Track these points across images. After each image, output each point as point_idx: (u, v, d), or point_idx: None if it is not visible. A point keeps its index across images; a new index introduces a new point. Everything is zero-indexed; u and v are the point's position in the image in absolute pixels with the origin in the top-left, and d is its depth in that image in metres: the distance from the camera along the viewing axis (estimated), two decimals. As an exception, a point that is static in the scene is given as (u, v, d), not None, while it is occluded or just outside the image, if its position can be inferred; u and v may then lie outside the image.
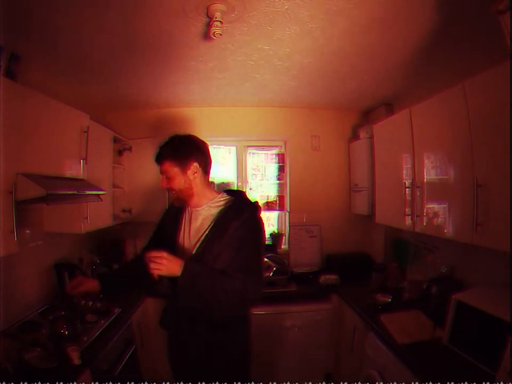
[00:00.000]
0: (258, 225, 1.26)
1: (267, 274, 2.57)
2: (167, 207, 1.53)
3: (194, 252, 1.25)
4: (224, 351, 1.28)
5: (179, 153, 1.24)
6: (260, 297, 1.22)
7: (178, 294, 1.17)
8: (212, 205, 1.30)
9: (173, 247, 1.30)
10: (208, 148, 1.34)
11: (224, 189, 1.42)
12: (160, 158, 1.26)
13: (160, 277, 1.14)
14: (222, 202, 1.30)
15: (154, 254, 1.12)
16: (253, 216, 1.25)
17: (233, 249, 1.19)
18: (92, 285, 1.38)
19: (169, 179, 1.26)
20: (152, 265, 1.11)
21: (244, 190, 1.40)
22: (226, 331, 1.27)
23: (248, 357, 1.39)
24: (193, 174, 1.26)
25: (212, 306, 1.18)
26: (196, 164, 1.25)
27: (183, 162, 1.24)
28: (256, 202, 1.33)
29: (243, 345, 1.35)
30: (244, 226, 1.20)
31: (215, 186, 2.97)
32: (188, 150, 1.26)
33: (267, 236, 3.02)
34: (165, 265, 1.11)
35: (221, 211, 1.27)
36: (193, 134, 1.34)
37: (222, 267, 1.19)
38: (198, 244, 1.25)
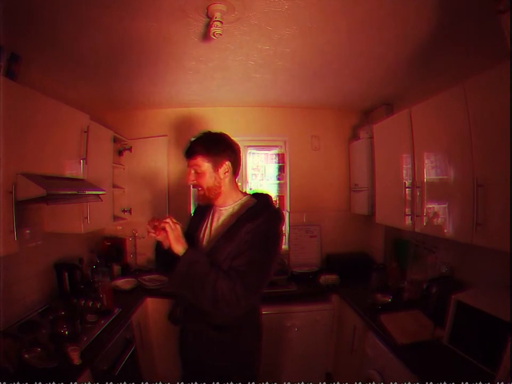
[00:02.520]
0: (270, 230, 1.20)
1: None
2: (196, 206, 1.50)
3: (208, 250, 1.24)
4: (226, 353, 1.26)
5: (213, 149, 1.23)
6: (251, 301, 1.17)
7: (172, 274, 1.14)
8: (235, 206, 1.28)
9: (194, 244, 1.30)
10: (239, 149, 1.34)
11: (253, 191, 1.41)
12: (192, 153, 1.24)
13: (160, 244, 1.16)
14: (244, 204, 1.28)
15: (172, 219, 1.14)
16: (267, 221, 1.19)
17: (239, 251, 1.16)
18: (176, 241, 1.18)
19: (198, 175, 1.24)
20: (165, 226, 1.12)
21: (270, 194, 1.36)
22: (228, 334, 1.25)
23: (254, 362, 1.35)
24: (224, 173, 1.24)
25: (198, 297, 1.14)
26: (228, 163, 1.24)
27: (216, 159, 1.23)
28: (277, 208, 1.31)
29: (248, 350, 1.32)
30: (256, 229, 1.17)
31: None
32: (222, 147, 1.25)
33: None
34: (175, 235, 1.12)
35: (237, 212, 1.26)
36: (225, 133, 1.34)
37: (227, 267, 1.17)
38: (212, 243, 1.25)
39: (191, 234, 1.34)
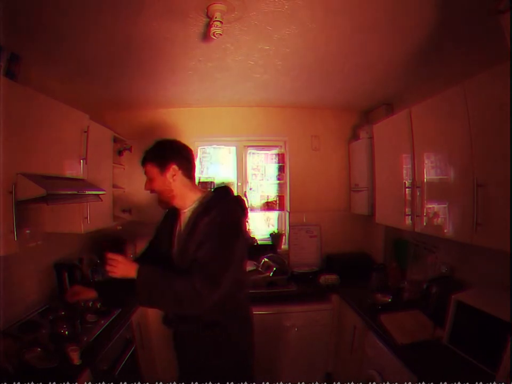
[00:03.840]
0: (224, 220, 1.23)
1: (267, 274, 2.58)
2: (166, 211, 1.52)
3: (177, 253, 1.31)
4: (218, 351, 1.28)
5: (158, 155, 1.31)
6: (217, 292, 1.16)
7: (136, 296, 1.21)
8: (194, 205, 1.33)
9: (169, 250, 1.36)
10: (190, 152, 1.38)
11: (216, 187, 1.45)
12: (142, 161, 1.33)
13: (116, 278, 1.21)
14: (201, 201, 1.33)
15: (110, 256, 1.20)
16: (221, 212, 1.24)
17: (200, 246, 1.20)
18: (89, 294, 1.43)
19: (150, 181, 1.32)
20: (108, 268, 1.19)
21: (228, 186, 1.42)
22: (218, 331, 1.27)
23: (248, 358, 1.38)
24: (173, 176, 1.29)
25: (166, 305, 1.24)
26: (174, 166, 1.29)
27: (162, 164, 1.29)
28: (234, 198, 1.36)
29: (241, 346, 1.34)
30: (211, 222, 1.21)
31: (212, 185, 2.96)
32: (168, 152, 1.31)
33: (267, 235, 3.03)
34: (120, 268, 1.19)
35: (193, 211, 1.31)
36: (178, 139, 1.40)
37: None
38: (179, 246, 1.31)
39: (161, 241, 1.42)
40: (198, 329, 1.27)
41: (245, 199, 1.42)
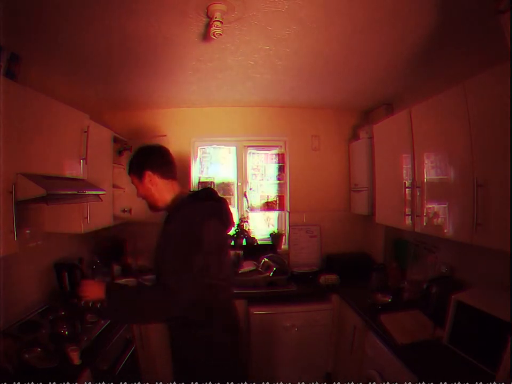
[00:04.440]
0: (187, 221, 1.21)
1: (267, 274, 2.58)
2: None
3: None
4: (202, 349, 1.27)
5: (134, 165, 1.38)
6: (182, 298, 1.15)
7: (108, 314, 1.28)
8: (169, 206, 1.36)
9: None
10: (165, 154, 1.39)
11: (200, 188, 1.47)
12: (128, 172, 1.41)
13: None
14: (174, 204, 1.34)
15: (82, 283, 1.27)
16: (185, 213, 1.23)
17: (165, 255, 1.21)
18: (95, 292, 1.31)
19: (136, 189, 1.40)
20: (79, 293, 1.25)
21: (209, 188, 1.45)
22: (199, 329, 1.27)
23: (234, 357, 1.35)
24: (150, 181, 1.34)
25: (140, 317, 1.28)
26: (149, 172, 1.33)
27: (138, 173, 1.35)
28: (194, 206, 1.27)
29: (225, 345, 1.31)
30: (172, 226, 1.24)
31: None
32: (140, 160, 1.37)
33: (267, 235, 3.03)
34: (88, 291, 1.24)
35: (166, 216, 1.35)
36: (156, 143, 1.45)
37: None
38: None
39: None
40: (181, 328, 1.30)
41: (228, 201, 1.44)
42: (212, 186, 1.46)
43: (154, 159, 1.36)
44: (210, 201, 1.32)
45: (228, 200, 1.45)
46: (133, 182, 1.40)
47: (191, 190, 1.46)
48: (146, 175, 1.34)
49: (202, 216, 1.23)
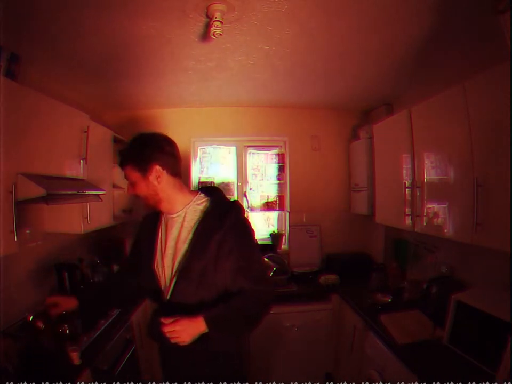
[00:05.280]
0: (245, 228, 1.17)
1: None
2: (144, 215, 1.36)
3: (174, 269, 1.16)
4: (212, 362, 1.17)
5: (138, 156, 1.12)
6: (272, 289, 1.27)
7: (214, 341, 1.11)
8: (188, 210, 1.18)
9: (151, 262, 1.21)
10: (174, 146, 1.19)
11: (201, 187, 1.33)
12: (121, 164, 1.16)
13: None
14: (199, 207, 1.18)
15: (168, 326, 1.03)
16: (237, 221, 1.15)
17: (226, 262, 1.11)
18: (69, 305, 1.29)
19: (132, 185, 1.15)
20: (173, 340, 1.04)
21: (219, 188, 1.31)
22: (210, 342, 1.11)
23: (243, 367, 1.28)
24: (157, 178, 1.13)
25: (249, 328, 1.25)
26: (158, 167, 1.12)
27: (143, 166, 1.12)
28: (237, 202, 1.25)
29: (235, 356, 1.22)
30: (230, 235, 1.11)
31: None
32: (148, 152, 1.13)
33: (267, 235, 3.03)
34: (187, 333, 1.04)
35: (199, 219, 1.16)
36: (159, 132, 1.21)
37: (213, 282, 1.13)
38: (177, 260, 1.15)
39: (143, 251, 1.25)
40: (190, 343, 1.08)
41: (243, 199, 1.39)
42: (218, 187, 1.34)
43: (164, 150, 1.14)
44: (233, 201, 1.26)
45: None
46: (128, 177, 1.15)
47: (200, 191, 1.26)
48: (154, 170, 1.12)
49: (243, 214, 1.22)
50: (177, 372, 1.22)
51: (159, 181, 1.13)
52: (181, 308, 1.11)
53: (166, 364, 1.28)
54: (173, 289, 1.15)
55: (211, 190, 1.27)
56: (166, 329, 1.04)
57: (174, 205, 1.18)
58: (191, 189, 1.34)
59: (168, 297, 1.17)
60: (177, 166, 1.20)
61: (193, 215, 1.17)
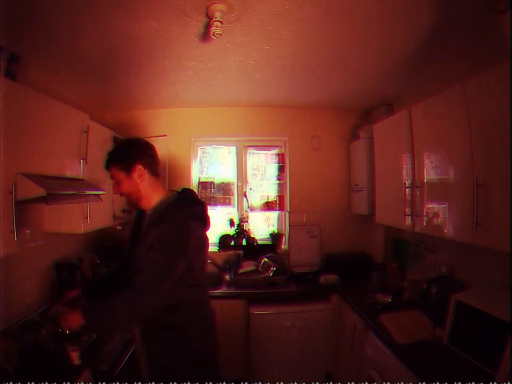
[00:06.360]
0: (169, 237, 1.20)
1: (266, 274, 2.58)
2: (136, 213, 1.50)
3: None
4: (177, 351, 1.27)
5: (123, 157, 1.28)
6: (157, 296, 1.17)
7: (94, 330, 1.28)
8: (155, 207, 1.31)
9: (133, 253, 1.34)
10: (154, 150, 1.36)
11: (181, 188, 1.42)
12: (107, 165, 1.30)
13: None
14: (162, 205, 1.29)
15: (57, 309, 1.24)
16: (168, 228, 1.20)
17: (148, 252, 1.20)
18: (75, 321, 1.23)
19: (118, 184, 1.30)
20: (62, 325, 1.22)
21: (192, 189, 1.45)
22: (174, 332, 1.27)
23: (210, 358, 1.37)
24: (140, 177, 1.28)
25: (125, 325, 1.34)
26: (140, 166, 1.28)
27: (127, 166, 1.27)
28: (196, 205, 1.31)
29: (200, 347, 1.31)
30: (160, 234, 1.19)
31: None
32: (131, 153, 1.29)
33: (267, 235, 3.03)
34: (69, 322, 1.20)
35: (151, 214, 1.29)
36: (139, 137, 1.38)
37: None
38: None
39: (132, 241, 1.41)
40: (154, 329, 1.28)
41: (208, 206, 1.40)
42: (191, 188, 1.42)
43: (146, 152, 1.31)
44: (197, 206, 1.33)
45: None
46: (114, 176, 1.30)
47: (172, 190, 1.40)
48: (137, 169, 1.27)
49: (191, 221, 1.25)
50: (150, 353, 1.34)
51: (141, 179, 1.28)
52: None
53: (144, 345, 1.38)
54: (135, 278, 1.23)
55: (184, 190, 1.40)
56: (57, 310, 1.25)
57: (149, 202, 1.32)
58: (172, 189, 1.43)
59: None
60: (157, 167, 1.36)
61: (155, 212, 1.30)
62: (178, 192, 1.39)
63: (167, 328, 1.27)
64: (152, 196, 1.32)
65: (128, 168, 1.27)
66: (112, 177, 1.31)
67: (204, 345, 1.32)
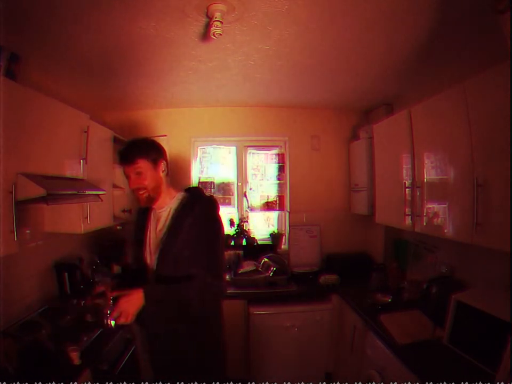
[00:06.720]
0: (212, 218, 1.30)
1: (266, 274, 2.58)
2: (136, 211, 1.52)
3: (157, 255, 1.30)
4: (197, 343, 1.29)
5: (151, 151, 1.31)
6: (223, 290, 1.30)
7: (149, 318, 1.24)
8: (171, 205, 1.35)
9: (142, 251, 1.38)
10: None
11: (184, 187, 1.46)
12: (132, 157, 1.26)
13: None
14: (177, 202, 1.35)
15: (113, 312, 1.10)
16: (206, 210, 1.30)
17: (192, 246, 1.24)
18: (135, 303, 1.14)
19: (141, 177, 1.27)
20: (119, 320, 1.10)
21: (199, 187, 1.52)
22: (196, 324, 1.29)
23: (223, 349, 1.41)
24: (163, 172, 1.33)
25: (184, 314, 1.26)
26: (164, 162, 1.34)
27: (155, 159, 1.31)
28: (211, 196, 1.41)
29: (216, 338, 1.37)
30: (198, 221, 1.26)
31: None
32: (157, 149, 1.34)
33: (267, 235, 3.03)
34: (127, 308, 1.10)
35: (175, 210, 1.33)
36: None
37: (184, 266, 1.25)
38: (160, 245, 1.30)
39: (138, 243, 1.41)
40: (178, 324, 1.26)
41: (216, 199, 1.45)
42: (200, 186, 1.47)
43: (165, 152, 1.38)
44: (210, 198, 1.41)
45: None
46: (139, 167, 1.26)
47: (184, 190, 1.43)
48: (162, 164, 1.33)
49: (215, 205, 1.35)
50: (160, 352, 1.33)
51: (164, 175, 1.34)
52: None
53: (151, 345, 1.37)
54: (156, 270, 1.29)
55: (191, 189, 1.45)
56: (113, 315, 1.11)
57: (165, 199, 1.35)
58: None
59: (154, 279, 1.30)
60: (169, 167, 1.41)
61: (176, 207, 1.34)
62: (186, 190, 1.43)
63: (188, 320, 1.27)
64: (169, 192, 1.36)
65: (155, 162, 1.30)
66: (135, 169, 1.26)
67: (219, 337, 1.38)
